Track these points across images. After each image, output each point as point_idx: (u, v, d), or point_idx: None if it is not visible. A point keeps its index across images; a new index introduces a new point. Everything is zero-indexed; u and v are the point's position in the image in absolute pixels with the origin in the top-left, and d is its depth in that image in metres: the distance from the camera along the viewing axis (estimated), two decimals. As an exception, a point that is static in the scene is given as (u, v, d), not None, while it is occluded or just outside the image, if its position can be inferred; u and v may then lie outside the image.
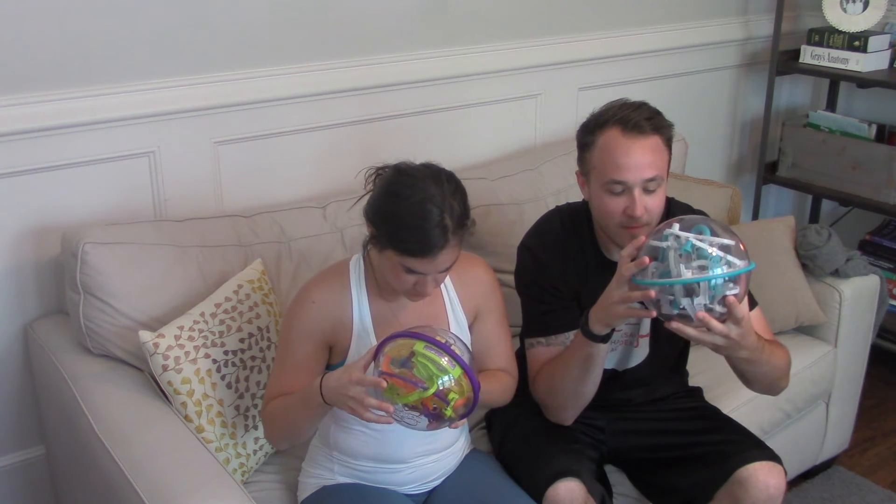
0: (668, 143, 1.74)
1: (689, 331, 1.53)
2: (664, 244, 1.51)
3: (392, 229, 1.56)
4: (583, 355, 1.71)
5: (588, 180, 1.78)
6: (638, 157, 1.68)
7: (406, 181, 1.57)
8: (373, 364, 1.52)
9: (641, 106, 1.74)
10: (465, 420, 1.59)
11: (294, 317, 1.69)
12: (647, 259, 1.51)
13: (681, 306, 1.50)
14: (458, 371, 1.49)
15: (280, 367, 1.71)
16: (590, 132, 1.75)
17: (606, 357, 1.76)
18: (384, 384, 1.48)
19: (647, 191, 1.70)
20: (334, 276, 1.72)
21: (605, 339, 1.68)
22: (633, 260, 1.56)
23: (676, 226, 1.52)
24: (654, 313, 1.54)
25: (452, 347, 1.51)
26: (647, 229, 1.69)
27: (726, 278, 1.48)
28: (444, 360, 1.49)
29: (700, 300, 1.49)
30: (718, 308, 1.51)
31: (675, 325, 1.52)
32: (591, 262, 1.85)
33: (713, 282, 1.47)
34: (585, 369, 1.73)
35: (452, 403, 1.49)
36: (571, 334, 1.80)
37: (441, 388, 1.47)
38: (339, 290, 1.69)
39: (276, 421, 1.69)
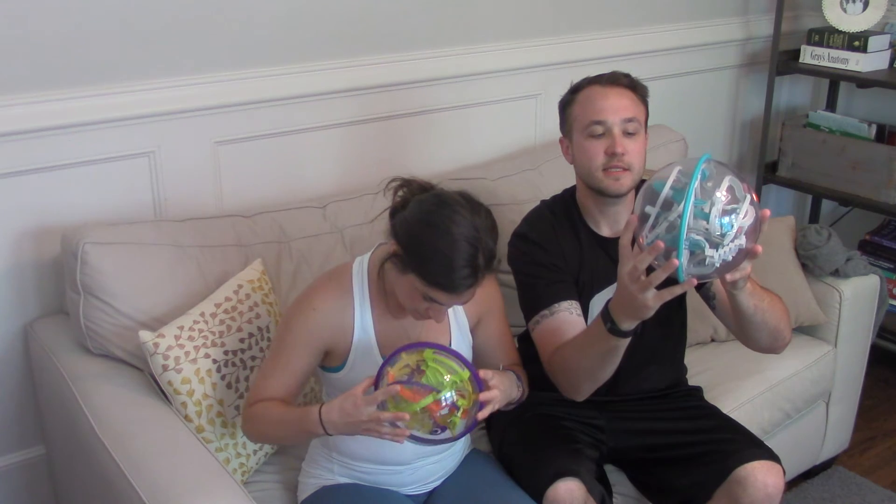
0: (644, 101, 1.84)
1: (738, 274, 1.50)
2: (656, 211, 1.41)
3: (423, 259, 1.53)
4: (604, 348, 1.62)
5: (571, 140, 1.85)
6: (615, 100, 1.79)
7: (446, 213, 1.53)
8: (372, 388, 1.53)
9: (616, 71, 1.86)
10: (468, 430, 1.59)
11: (293, 322, 1.68)
12: (661, 243, 1.39)
13: (713, 258, 1.39)
14: (466, 374, 1.52)
15: (272, 368, 1.70)
16: (570, 94, 1.87)
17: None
18: (398, 388, 1.48)
19: (626, 133, 1.77)
20: (336, 281, 1.71)
21: (634, 332, 1.59)
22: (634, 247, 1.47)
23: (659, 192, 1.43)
24: (696, 281, 1.42)
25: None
26: (628, 175, 1.76)
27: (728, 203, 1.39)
28: (455, 363, 1.52)
29: (731, 218, 1.39)
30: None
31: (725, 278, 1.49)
32: (584, 240, 1.88)
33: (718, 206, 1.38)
34: (605, 360, 1.66)
35: (461, 410, 1.51)
36: (573, 305, 1.80)
37: (452, 392, 1.50)
38: (341, 297, 1.68)
39: (263, 426, 1.67)
